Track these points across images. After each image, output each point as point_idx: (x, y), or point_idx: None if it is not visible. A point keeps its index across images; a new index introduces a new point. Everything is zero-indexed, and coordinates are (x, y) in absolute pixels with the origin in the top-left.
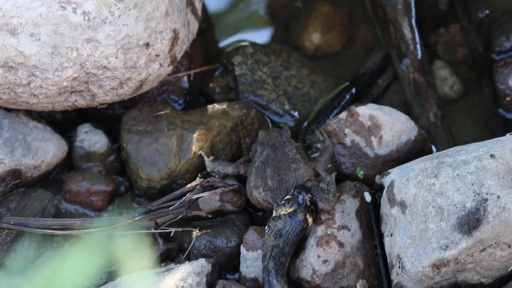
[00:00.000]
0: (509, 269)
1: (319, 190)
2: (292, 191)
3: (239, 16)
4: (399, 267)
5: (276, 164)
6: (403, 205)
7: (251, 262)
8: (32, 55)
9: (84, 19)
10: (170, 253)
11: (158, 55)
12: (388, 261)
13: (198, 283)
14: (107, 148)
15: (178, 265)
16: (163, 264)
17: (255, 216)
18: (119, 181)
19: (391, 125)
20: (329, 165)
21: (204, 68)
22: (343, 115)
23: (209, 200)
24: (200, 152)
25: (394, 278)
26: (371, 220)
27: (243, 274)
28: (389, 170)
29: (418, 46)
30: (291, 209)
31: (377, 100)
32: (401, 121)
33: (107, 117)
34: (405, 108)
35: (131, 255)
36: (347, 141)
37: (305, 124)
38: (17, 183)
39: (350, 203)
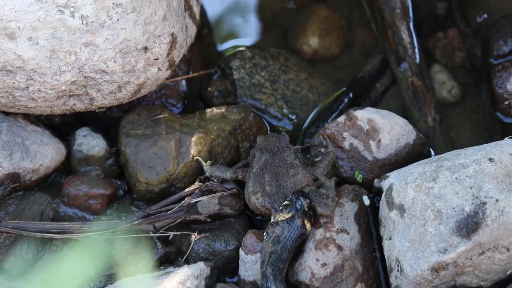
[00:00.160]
0: (507, 273)
1: (317, 195)
2: (290, 196)
3: (237, 20)
4: (398, 270)
5: (274, 170)
6: (401, 209)
7: (250, 266)
8: (30, 59)
9: (82, 23)
10: (169, 256)
11: (157, 59)
12: (387, 265)
13: (197, 286)
14: (105, 151)
15: (177, 268)
16: (162, 267)
17: (254, 219)
18: (117, 184)
19: (389, 128)
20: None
21: (202, 72)
22: (342, 118)
23: (208, 204)
24: (197, 157)
25: (393, 281)
26: (369, 224)
27: (242, 277)
28: (388, 174)
29: (416, 50)
30: (289, 215)
31: (375, 104)
32: (400, 124)
33: (106, 121)
34: (404, 112)
35: (130, 258)
36: (346, 144)
37: (304, 127)
38: (16, 186)
39: (349, 207)
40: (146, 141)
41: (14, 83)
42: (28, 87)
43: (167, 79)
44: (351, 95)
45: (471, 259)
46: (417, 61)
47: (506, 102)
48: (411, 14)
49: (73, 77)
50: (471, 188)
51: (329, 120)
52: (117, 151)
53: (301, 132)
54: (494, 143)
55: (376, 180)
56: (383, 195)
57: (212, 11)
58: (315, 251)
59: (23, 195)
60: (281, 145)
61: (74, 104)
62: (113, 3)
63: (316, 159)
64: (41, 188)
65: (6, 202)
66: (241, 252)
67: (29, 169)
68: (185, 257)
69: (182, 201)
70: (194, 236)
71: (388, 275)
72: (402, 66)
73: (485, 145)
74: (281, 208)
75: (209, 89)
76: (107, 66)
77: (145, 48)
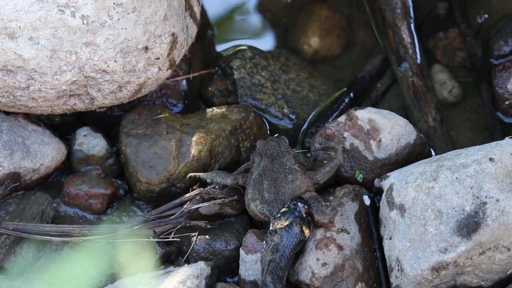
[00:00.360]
0: (508, 272)
1: (316, 201)
2: (288, 203)
3: (238, 20)
4: (398, 270)
5: (273, 176)
6: (402, 209)
7: (250, 265)
8: (31, 59)
9: (83, 23)
10: (170, 256)
11: (157, 59)
12: (387, 264)
13: (198, 286)
14: (106, 151)
15: (177, 268)
16: (162, 267)
17: (254, 219)
18: (118, 184)
19: (390, 128)
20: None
21: (203, 72)
22: (342, 118)
23: (209, 205)
24: (190, 174)
25: (393, 281)
26: (370, 223)
27: (242, 277)
28: (388, 174)
29: (417, 50)
30: (287, 222)
31: (376, 104)
32: (400, 124)
33: (106, 121)
34: (404, 112)
35: (130, 258)
36: (346, 144)
37: (304, 127)
38: (16, 186)
39: (349, 206)
40: (147, 141)
41: (14, 82)
42: (28, 87)
43: (167, 78)
44: (351, 95)
45: (471, 258)
46: (418, 61)
47: (507, 102)
48: (412, 14)
49: (74, 76)
50: (471, 188)
51: (329, 120)
52: (118, 150)
53: (301, 132)
54: (494, 143)
55: (376, 180)
56: (383, 194)
57: (213, 11)
58: (316, 251)
59: (23, 194)
60: (281, 149)
61: (75, 103)
62: (114, 3)
63: (325, 162)
64: (41, 187)
65: (7, 202)
66: (241, 251)
67: (30, 169)
68: (185, 256)
69: (183, 207)
70: (194, 236)
71: (388, 274)
72: (403, 66)
73: (485, 145)
74: (279, 215)
75: (209, 88)
76: (108, 66)
77: (146, 48)
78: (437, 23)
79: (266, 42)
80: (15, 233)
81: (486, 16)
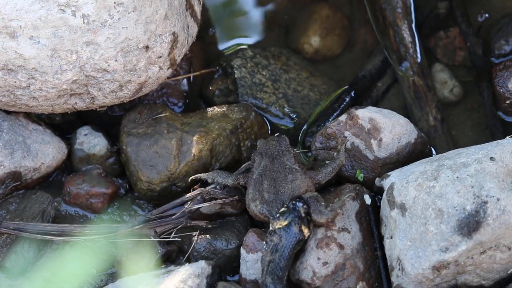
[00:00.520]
0: (509, 272)
1: (315, 201)
2: (287, 203)
3: (239, 19)
4: (399, 269)
5: (273, 176)
6: (403, 208)
7: (251, 264)
8: (31, 58)
9: (84, 22)
10: (170, 255)
11: (158, 58)
12: (388, 263)
13: (198, 285)
14: (106, 150)
15: (178, 267)
16: (163, 266)
17: (255, 218)
18: (118, 183)
19: (390, 128)
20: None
21: (203, 71)
22: (343, 117)
23: (209, 204)
24: (192, 178)
25: (394, 280)
26: (371, 223)
27: (243, 276)
28: (389, 173)
29: (418, 49)
30: (286, 222)
31: (376, 103)
32: (401, 124)
33: (107, 120)
34: (405, 111)
35: (131, 257)
36: (347, 143)
37: (305, 127)
38: (17, 185)
39: (350, 206)
40: (147, 140)
41: (15, 82)
42: (29, 86)
43: (168, 78)
44: (352, 94)
45: (472, 258)
46: (419, 60)
47: (508, 101)
48: (412, 14)
49: (74, 76)
50: (472, 187)
51: (330, 119)
52: (118, 150)
53: (302, 132)
54: (495, 142)
55: (377, 179)
56: (384, 194)
57: (214, 10)
58: (317, 250)
59: (24, 193)
60: (281, 148)
61: (75, 103)
62: (115, 2)
63: (327, 162)
64: (42, 186)
65: (8, 201)
66: (242, 250)
67: (31, 168)
68: (186, 255)
69: (184, 207)
70: (195, 235)
71: (389, 274)
72: (404, 65)
73: (486, 144)
74: (278, 215)
75: (210, 88)
76: (109, 65)
77: (147, 47)
78: (438, 22)
79: (267, 41)
80: (16, 233)
81: (487, 15)
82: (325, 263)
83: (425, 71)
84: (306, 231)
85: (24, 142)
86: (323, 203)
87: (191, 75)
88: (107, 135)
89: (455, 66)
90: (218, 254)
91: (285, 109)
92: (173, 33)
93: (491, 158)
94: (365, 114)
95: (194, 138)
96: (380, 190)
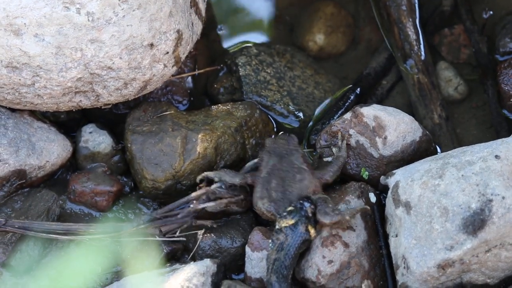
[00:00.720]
0: None
1: (323, 202)
2: (294, 202)
3: (243, 16)
4: (404, 267)
5: (281, 175)
6: (408, 206)
7: (256, 263)
8: (36, 56)
9: (88, 20)
10: (175, 254)
11: (163, 56)
12: (393, 262)
13: (204, 283)
14: (111, 148)
15: (183, 265)
16: (168, 264)
17: (260, 217)
18: (123, 181)
19: (395, 126)
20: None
21: (208, 69)
22: (348, 115)
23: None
24: (199, 177)
25: (399, 278)
26: (376, 221)
27: (248, 274)
28: (394, 171)
29: (422, 47)
30: (292, 221)
31: (381, 101)
32: (406, 122)
33: (112, 118)
34: (410, 109)
35: (136, 255)
36: (352, 141)
37: (310, 124)
38: (22, 183)
39: (355, 204)
40: (152, 138)
41: (20, 79)
42: (34, 84)
43: (173, 75)
44: (357, 92)
45: (477, 256)
46: (423, 58)
47: None
48: (417, 11)
49: (79, 73)
50: (477, 185)
51: (335, 117)
52: (123, 148)
53: (307, 130)
54: (500, 140)
55: (382, 177)
56: (389, 192)
57: (218, 8)
58: (322, 248)
59: (29, 191)
60: (290, 147)
61: (80, 100)
62: (119, 0)
63: (326, 159)
64: (47, 184)
65: (13, 199)
66: (247, 249)
67: (35, 166)
68: (191, 254)
69: (189, 206)
70: (200, 233)
71: (394, 272)
72: (408, 63)
73: (491, 142)
74: (284, 214)
75: (215, 85)
76: (113, 63)
77: (151, 45)
78: (442, 19)
79: (271, 39)
80: (21, 231)
81: (491, 12)
82: (330, 262)
83: (429, 68)
84: (312, 231)
85: (29, 140)
86: (330, 205)
87: (196, 72)
88: (112, 133)
89: (460, 64)
90: (223, 252)
91: (290, 107)
92: (178, 31)
93: (496, 156)
94: (370, 112)
95: (199, 136)
96: (385, 188)
